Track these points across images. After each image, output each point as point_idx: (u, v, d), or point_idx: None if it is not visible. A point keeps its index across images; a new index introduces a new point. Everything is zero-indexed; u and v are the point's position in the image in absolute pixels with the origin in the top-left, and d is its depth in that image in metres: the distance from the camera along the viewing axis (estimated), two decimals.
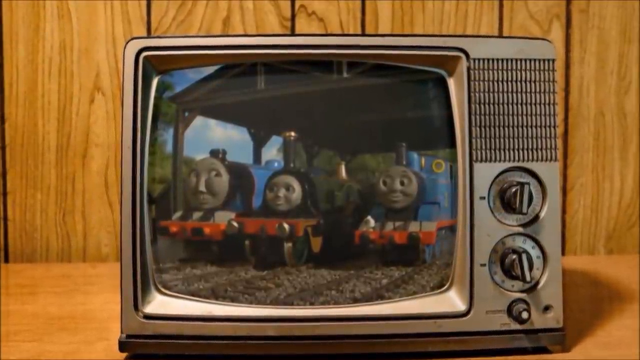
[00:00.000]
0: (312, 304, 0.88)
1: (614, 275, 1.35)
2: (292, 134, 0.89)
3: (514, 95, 0.89)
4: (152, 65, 0.88)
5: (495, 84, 0.89)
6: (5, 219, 1.52)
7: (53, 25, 1.49)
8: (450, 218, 0.89)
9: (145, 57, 0.87)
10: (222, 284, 0.88)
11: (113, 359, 0.87)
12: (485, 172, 0.88)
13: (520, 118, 0.89)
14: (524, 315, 0.87)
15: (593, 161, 1.59)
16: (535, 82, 0.89)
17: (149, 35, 1.49)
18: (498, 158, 0.89)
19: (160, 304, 0.87)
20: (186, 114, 0.89)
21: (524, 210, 0.87)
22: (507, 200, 0.87)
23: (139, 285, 0.86)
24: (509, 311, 0.88)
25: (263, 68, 0.89)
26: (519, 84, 0.89)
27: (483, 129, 0.88)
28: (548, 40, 0.90)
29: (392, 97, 0.91)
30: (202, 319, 0.87)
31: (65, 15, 1.49)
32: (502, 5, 1.55)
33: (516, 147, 0.89)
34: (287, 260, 0.89)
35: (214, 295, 0.88)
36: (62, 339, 0.95)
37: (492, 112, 0.88)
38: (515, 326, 0.88)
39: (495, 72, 0.89)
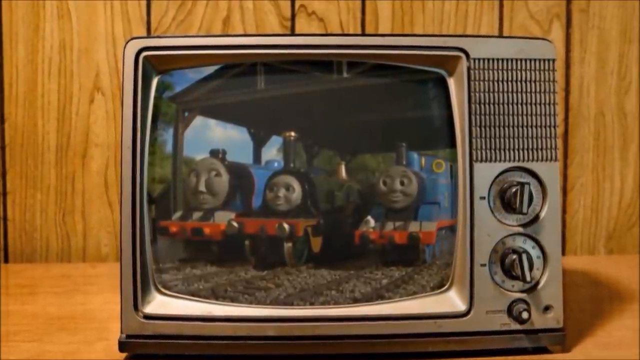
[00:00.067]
0: (312, 304, 0.88)
1: (614, 275, 1.35)
2: (292, 134, 0.89)
3: (514, 95, 0.89)
4: (152, 65, 0.88)
5: (496, 83, 0.89)
6: (5, 219, 1.52)
7: (53, 25, 1.49)
8: (450, 218, 0.89)
9: (145, 57, 0.87)
10: (222, 284, 0.88)
11: (113, 359, 0.87)
12: (486, 172, 0.88)
13: (520, 118, 0.89)
14: (524, 315, 0.87)
15: (593, 161, 1.59)
16: (535, 82, 0.89)
17: (148, 35, 1.49)
18: (498, 158, 0.88)
19: (160, 304, 0.87)
20: (186, 113, 0.89)
21: (524, 210, 0.87)
22: (507, 200, 0.87)
23: (138, 285, 0.86)
24: (509, 311, 0.88)
25: (263, 68, 0.89)
26: (519, 83, 0.89)
27: (483, 129, 0.88)
28: (548, 40, 0.90)
29: (392, 97, 0.91)
30: (202, 319, 0.87)
31: (65, 15, 1.49)
32: (502, 5, 1.55)
33: (516, 147, 0.89)
34: (287, 261, 0.89)
35: (214, 295, 0.88)
36: (61, 339, 0.95)
37: (492, 112, 0.88)
38: (516, 326, 0.88)
39: (496, 72, 0.88)
